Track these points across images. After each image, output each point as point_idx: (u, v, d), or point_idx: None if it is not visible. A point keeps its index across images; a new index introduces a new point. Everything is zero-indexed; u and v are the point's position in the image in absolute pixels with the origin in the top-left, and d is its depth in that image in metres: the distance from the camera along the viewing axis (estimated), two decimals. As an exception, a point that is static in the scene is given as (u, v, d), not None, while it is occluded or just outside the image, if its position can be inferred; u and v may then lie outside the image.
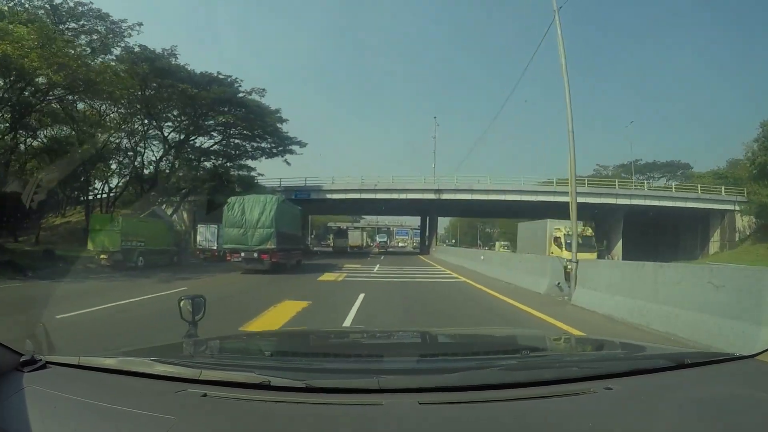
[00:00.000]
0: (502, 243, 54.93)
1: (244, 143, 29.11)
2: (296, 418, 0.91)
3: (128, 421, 0.88)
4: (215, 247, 21.46)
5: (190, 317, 1.73)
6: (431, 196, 35.31)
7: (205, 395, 0.98)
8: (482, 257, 15.31)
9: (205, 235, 23.13)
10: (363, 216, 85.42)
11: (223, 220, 15.89)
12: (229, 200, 15.86)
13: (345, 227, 65.04)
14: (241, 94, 24.59)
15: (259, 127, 25.72)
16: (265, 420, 0.92)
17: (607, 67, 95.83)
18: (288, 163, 31.46)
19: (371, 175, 39.71)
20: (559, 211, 43.63)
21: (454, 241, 61.79)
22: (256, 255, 15.02)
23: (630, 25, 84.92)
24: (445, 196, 35.39)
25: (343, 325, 5.84)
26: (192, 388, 1.01)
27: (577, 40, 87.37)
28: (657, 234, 40.60)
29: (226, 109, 24.42)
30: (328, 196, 36.40)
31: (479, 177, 38.41)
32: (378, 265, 19.59)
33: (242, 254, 15.28)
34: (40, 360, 1.14)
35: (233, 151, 29.32)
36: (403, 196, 35.52)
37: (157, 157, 26.09)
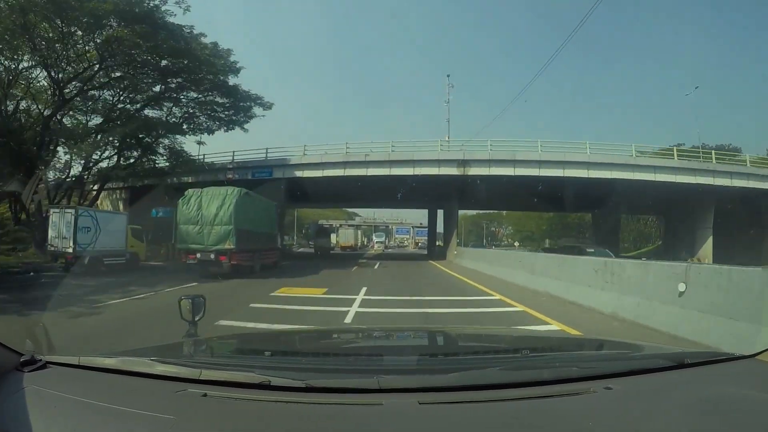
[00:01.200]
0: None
1: (199, 114, 24.46)
2: (296, 418, 0.97)
3: (128, 421, 0.94)
4: (70, 250, 15.22)
5: (190, 317, 1.79)
6: (452, 170, 26.66)
7: (205, 395, 1.05)
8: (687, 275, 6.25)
9: (58, 228, 15.51)
10: (357, 213, 74.75)
11: (176, 216, 14.79)
12: (186, 192, 14.88)
13: (337, 225, 61.26)
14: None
15: (179, 55, 19.41)
16: (265, 420, 0.98)
17: (646, 48, 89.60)
18: (244, 129, 25.75)
19: (361, 143, 30.59)
20: (641, 195, 31.54)
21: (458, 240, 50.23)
22: (213, 256, 14.04)
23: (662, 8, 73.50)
24: (473, 171, 26.71)
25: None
26: (192, 388, 1.08)
27: (613, 16, 76.09)
28: (740, 228, 32.81)
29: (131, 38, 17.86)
30: (298, 173, 28.06)
31: (525, 141, 29.11)
32: (364, 288, 11.30)
33: (198, 255, 14.19)
34: (40, 360, 1.20)
35: (186, 123, 24.63)
36: (407, 170, 26.91)
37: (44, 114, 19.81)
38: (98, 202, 25.75)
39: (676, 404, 1.05)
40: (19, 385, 1.05)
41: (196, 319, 1.80)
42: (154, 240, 22.21)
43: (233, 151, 29.01)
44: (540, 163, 25.47)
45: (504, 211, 71.96)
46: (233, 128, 25.22)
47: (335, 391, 1.05)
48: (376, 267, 21.20)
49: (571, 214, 54.58)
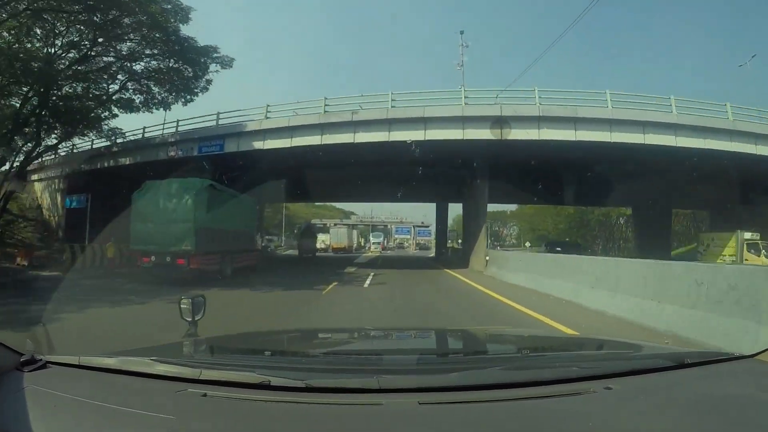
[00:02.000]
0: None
1: (147, 81, 19.72)
2: (296, 418, 1.00)
3: (128, 421, 0.98)
4: None
5: (190, 317, 1.79)
6: (483, 131, 17.79)
7: (205, 395, 1.09)
8: None
9: None
10: (353, 212, 70.45)
11: (131, 212, 13.37)
12: (143, 185, 13.35)
13: (331, 224, 54.34)
14: None
15: None
16: (265, 420, 1.01)
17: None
18: (194, 95, 20.26)
19: (347, 98, 21.33)
20: (696, 178, 23.33)
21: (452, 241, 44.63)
22: (169, 259, 12.24)
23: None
24: (515, 134, 18.01)
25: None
26: (192, 388, 1.11)
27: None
28: None
29: None
30: (258, 143, 19.86)
31: (588, 93, 20.41)
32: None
33: (152, 258, 12.48)
34: (41, 360, 1.24)
35: (134, 94, 20.05)
36: (415, 133, 17.89)
37: None
38: (38, 194, 23.29)
39: (676, 404, 1.09)
40: (19, 385, 1.09)
41: (196, 318, 1.84)
42: (65, 238, 19.46)
43: (177, 120, 23.95)
44: (611, 123, 19.38)
45: (509, 209, 70.53)
46: (192, 99, 21.51)
47: (335, 391, 1.09)
48: (366, 283, 14.01)
49: (596, 208, 47.69)
